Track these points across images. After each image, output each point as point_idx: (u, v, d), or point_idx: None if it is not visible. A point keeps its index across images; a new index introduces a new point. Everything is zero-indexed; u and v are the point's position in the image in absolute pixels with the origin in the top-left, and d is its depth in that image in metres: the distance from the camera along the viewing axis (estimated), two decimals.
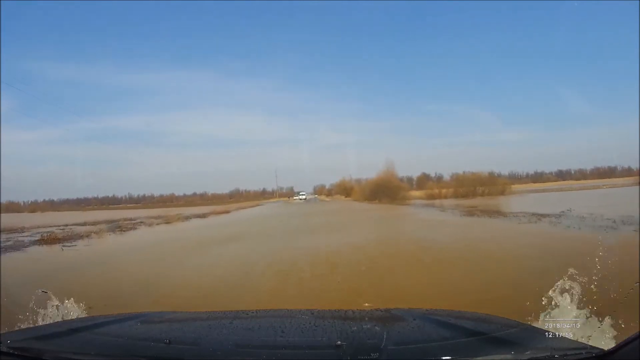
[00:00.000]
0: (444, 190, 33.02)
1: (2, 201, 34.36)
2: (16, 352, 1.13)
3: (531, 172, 48.44)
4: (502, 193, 30.55)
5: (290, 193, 56.91)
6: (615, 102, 46.08)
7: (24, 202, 45.96)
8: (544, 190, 34.73)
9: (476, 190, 31.01)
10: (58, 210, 38.24)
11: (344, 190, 49.75)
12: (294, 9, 50.45)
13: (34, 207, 41.51)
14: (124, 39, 54.17)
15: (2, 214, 24.04)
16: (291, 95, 62.66)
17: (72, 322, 1.81)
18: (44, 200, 48.26)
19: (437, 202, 28.32)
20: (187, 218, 22.88)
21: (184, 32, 57.21)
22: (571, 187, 36.12)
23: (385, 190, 32.87)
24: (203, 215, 24.62)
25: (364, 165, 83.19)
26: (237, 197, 57.99)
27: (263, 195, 62.79)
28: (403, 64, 53.90)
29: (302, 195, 53.64)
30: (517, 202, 22.43)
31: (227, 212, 29.42)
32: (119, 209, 37.98)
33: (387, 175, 35.20)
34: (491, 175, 33.36)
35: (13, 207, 35.07)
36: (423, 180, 43.12)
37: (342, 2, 43.79)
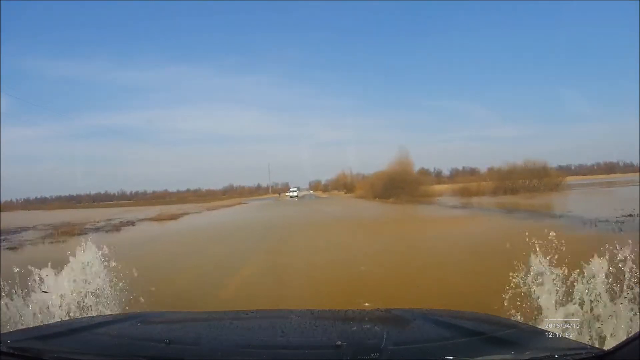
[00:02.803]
0: (483, 184, 27.05)
1: None
2: (16, 352, 1.13)
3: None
4: (556, 188, 24.65)
5: (284, 189, 54.58)
6: (615, 99, 46.03)
7: (17, 200, 45.54)
8: (605, 185, 27.95)
9: (524, 184, 25.23)
10: (35, 209, 35.99)
11: (343, 185, 47.78)
12: (292, 6, 50.37)
13: (8, 206, 38.73)
14: (119, 37, 54.07)
15: None
16: (287, 92, 62.95)
17: (72, 322, 1.81)
18: (36, 198, 47.89)
19: (475, 199, 22.40)
20: (83, 233, 12.49)
21: (180, 30, 57.57)
22: (610, 181, 31.36)
23: (402, 185, 27.20)
24: (115, 228, 15.74)
25: (361, 161, 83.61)
26: (231, 193, 57.53)
27: (257, 191, 62.42)
28: (400, 61, 53.99)
29: (293, 191, 44.70)
30: (621, 200, 12.13)
31: (175, 218, 20.17)
32: (101, 207, 36.59)
33: (402, 166, 29.54)
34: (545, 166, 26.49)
35: None
36: (423, 175, 41.97)
37: (339, 0, 43.76)
